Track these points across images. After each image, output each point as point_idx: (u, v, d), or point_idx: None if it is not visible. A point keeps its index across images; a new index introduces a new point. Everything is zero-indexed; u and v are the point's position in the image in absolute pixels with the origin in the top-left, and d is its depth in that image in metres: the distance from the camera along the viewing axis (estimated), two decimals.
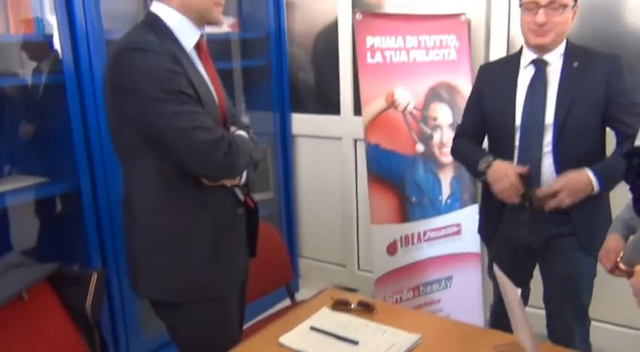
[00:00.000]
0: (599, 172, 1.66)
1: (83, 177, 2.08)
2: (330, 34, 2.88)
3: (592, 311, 1.86)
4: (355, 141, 2.90)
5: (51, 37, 2.01)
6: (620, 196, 1.54)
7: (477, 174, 1.88)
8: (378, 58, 2.34)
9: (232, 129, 1.55)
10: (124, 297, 2.25)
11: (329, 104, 2.96)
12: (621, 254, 1.33)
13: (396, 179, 2.40)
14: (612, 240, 1.43)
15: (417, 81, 2.40)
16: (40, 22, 2.02)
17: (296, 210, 3.22)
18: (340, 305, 1.60)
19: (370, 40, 2.32)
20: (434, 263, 2.50)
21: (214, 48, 2.74)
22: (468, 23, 2.48)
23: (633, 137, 1.20)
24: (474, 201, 2.53)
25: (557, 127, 1.73)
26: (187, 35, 1.44)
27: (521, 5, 1.76)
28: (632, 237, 1.36)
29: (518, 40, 2.33)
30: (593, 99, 1.71)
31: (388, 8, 2.71)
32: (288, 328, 1.50)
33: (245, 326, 1.78)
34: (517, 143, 1.80)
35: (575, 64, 1.74)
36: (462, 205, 2.53)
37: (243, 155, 1.43)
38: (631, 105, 1.70)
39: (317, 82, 3.08)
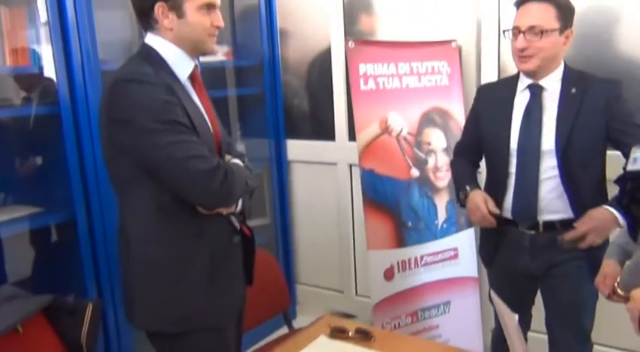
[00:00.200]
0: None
1: (79, 206, 2.08)
2: (323, 61, 2.92)
3: (594, 335, 1.85)
4: (350, 166, 2.91)
5: (46, 68, 2.03)
6: None
7: (460, 203, 1.96)
8: (371, 84, 2.37)
9: (227, 157, 1.56)
10: (119, 328, 2.23)
11: (324, 130, 2.99)
12: (618, 279, 1.33)
13: (392, 204, 2.41)
14: (608, 265, 1.43)
15: (410, 106, 2.43)
16: (35, 53, 2.04)
17: (292, 236, 3.22)
18: (338, 333, 1.59)
19: (363, 67, 2.35)
20: (431, 288, 2.49)
21: (209, 76, 2.78)
22: (459, 49, 2.52)
23: None
24: (470, 225, 2.54)
25: (559, 154, 1.72)
26: (182, 66, 1.46)
27: (504, 32, 1.79)
28: (628, 263, 1.37)
29: (509, 65, 2.37)
30: (593, 125, 1.70)
31: (380, 35, 2.76)
32: None
33: None
34: (513, 169, 1.80)
35: (573, 90, 1.73)
36: (458, 229, 2.53)
37: (239, 183, 1.44)
38: (632, 126, 1.68)
39: (311, 108, 3.11)
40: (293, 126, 3.11)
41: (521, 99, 1.81)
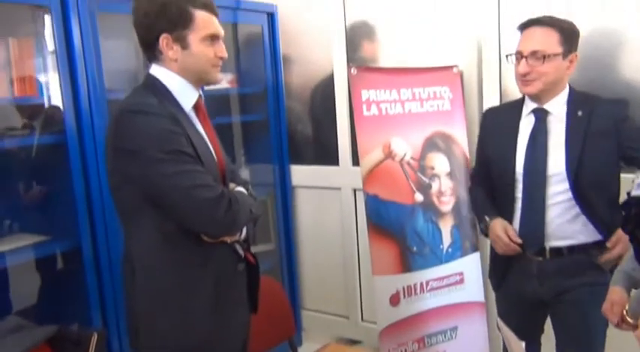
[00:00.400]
0: None
1: (84, 234, 2.08)
2: (326, 86, 2.95)
3: None
4: (354, 191, 2.91)
5: (53, 96, 2.06)
6: None
7: (483, 234, 1.96)
8: (374, 110, 2.39)
9: (231, 185, 1.57)
10: None
11: (327, 155, 3.00)
12: (627, 307, 1.32)
13: (396, 229, 2.40)
14: (615, 293, 1.41)
15: (413, 131, 2.44)
16: (42, 83, 2.07)
17: (297, 261, 3.21)
18: None
19: (365, 94, 2.38)
20: (438, 313, 2.47)
21: (214, 103, 2.81)
22: (461, 75, 2.54)
23: None
24: (475, 249, 2.53)
25: (571, 177, 1.71)
26: (186, 96, 1.48)
27: (507, 56, 1.80)
28: (635, 291, 1.35)
29: (511, 89, 2.39)
30: (603, 146, 1.70)
31: (382, 61, 2.79)
32: None
33: None
34: (520, 193, 1.80)
35: (580, 113, 1.73)
36: (464, 254, 2.52)
37: (243, 211, 1.45)
38: None
39: (315, 133, 3.13)
40: (297, 151, 3.13)
41: (527, 124, 1.81)
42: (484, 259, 2.52)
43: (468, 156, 2.50)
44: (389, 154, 2.39)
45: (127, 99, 1.46)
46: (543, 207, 1.76)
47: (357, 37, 2.84)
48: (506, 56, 1.81)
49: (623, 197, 1.68)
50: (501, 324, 1.35)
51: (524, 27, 1.76)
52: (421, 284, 2.44)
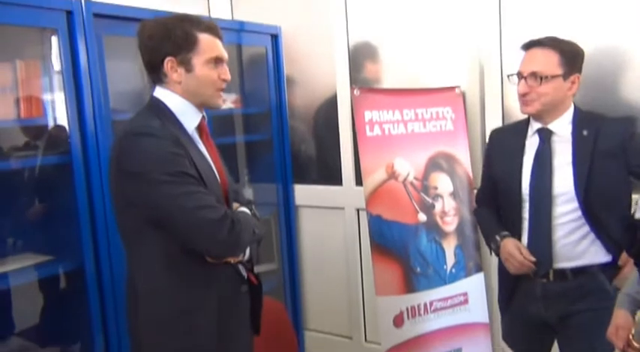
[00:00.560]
0: None
1: (87, 255, 2.08)
2: (329, 107, 2.96)
3: None
4: (358, 210, 2.91)
5: (58, 117, 2.08)
6: None
7: (494, 253, 1.92)
8: (377, 131, 2.40)
9: (235, 205, 1.57)
10: None
11: (331, 175, 3.00)
12: (633, 331, 1.30)
13: (400, 249, 2.40)
14: (620, 316, 1.40)
15: (416, 152, 2.45)
16: (48, 104, 2.09)
17: (300, 281, 3.19)
18: None
19: (368, 114, 2.39)
20: (442, 334, 2.45)
21: (218, 123, 2.83)
22: (463, 95, 2.55)
23: None
24: (480, 270, 2.52)
25: (580, 198, 1.70)
26: (189, 118, 1.49)
27: (508, 76, 1.82)
28: None
29: (513, 110, 2.40)
30: (611, 165, 1.69)
31: (385, 82, 2.80)
32: None
33: None
34: (526, 214, 1.80)
35: (585, 133, 1.73)
36: (468, 274, 2.50)
37: (247, 231, 1.45)
38: None
39: (318, 153, 3.14)
40: (300, 171, 3.14)
41: (532, 144, 1.82)
42: (488, 280, 2.51)
43: (471, 176, 2.50)
44: (392, 174, 2.40)
45: (131, 122, 1.47)
46: (549, 226, 1.75)
47: (360, 57, 2.86)
48: (508, 76, 1.83)
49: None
50: (506, 348, 1.34)
51: (526, 48, 1.78)
52: (425, 304, 2.43)
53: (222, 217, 1.38)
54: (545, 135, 1.78)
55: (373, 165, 2.38)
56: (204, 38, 1.47)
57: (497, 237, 1.86)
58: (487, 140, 2.09)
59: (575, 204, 1.71)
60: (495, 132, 2.02)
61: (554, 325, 1.81)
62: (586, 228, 1.72)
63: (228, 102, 2.84)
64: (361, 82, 2.81)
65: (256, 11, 3.07)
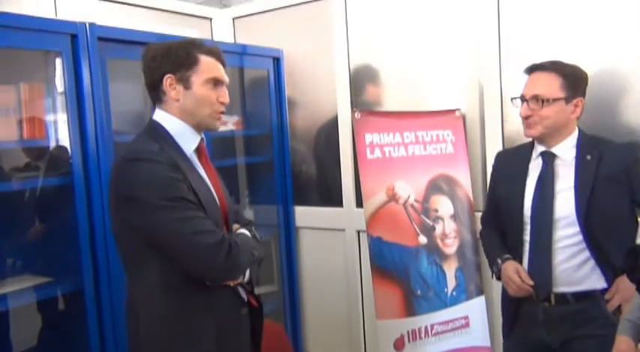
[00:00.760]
0: None
1: (87, 277, 2.07)
2: (330, 129, 2.98)
3: None
4: (358, 232, 2.90)
5: (61, 138, 2.09)
6: None
7: (495, 277, 1.93)
8: (378, 153, 2.41)
9: (235, 226, 1.58)
10: None
11: (331, 197, 3.01)
12: None
13: (400, 271, 2.39)
14: (623, 342, 1.39)
15: (416, 174, 2.45)
16: (51, 126, 2.11)
17: (300, 303, 3.17)
18: None
19: (369, 137, 2.40)
20: None
21: (220, 145, 2.85)
22: (463, 118, 2.57)
23: None
24: (481, 293, 2.50)
25: (581, 222, 1.70)
26: (188, 140, 1.50)
27: (512, 99, 1.83)
28: None
29: (513, 132, 2.41)
30: (613, 190, 1.69)
31: (386, 105, 2.82)
32: None
33: None
34: (528, 236, 1.80)
35: (588, 157, 1.73)
36: (469, 297, 2.49)
37: (245, 254, 1.45)
38: None
39: (319, 175, 3.15)
40: (301, 192, 3.14)
41: (535, 167, 1.83)
42: (489, 303, 2.49)
43: (472, 199, 2.50)
44: (393, 197, 2.40)
45: (129, 147, 1.48)
46: (550, 250, 1.75)
47: (360, 80, 2.88)
48: (512, 99, 1.85)
49: None
50: None
51: (529, 71, 1.81)
52: (426, 328, 2.41)
53: (219, 242, 1.38)
54: (549, 159, 1.79)
55: (374, 187, 2.39)
56: (205, 59, 1.50)
57: (499, 261, 1.87)
58: (492, 162, 2.10)
59: (577, 229, 1.71)
60: (501, 154, 2.05)
61: (556, 350, 1.79)
62: (587, 253, 1.72)
63: (229, 124, 2.86)
64: (362, 105, 2.83)
65: (258, 34, 3.11)
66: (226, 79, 1.55)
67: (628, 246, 1.61)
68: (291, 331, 3.07)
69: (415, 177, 2.45)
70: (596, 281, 1.73)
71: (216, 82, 1.51)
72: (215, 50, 1.53)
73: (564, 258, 1.74)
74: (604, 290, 1.72)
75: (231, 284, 1.50)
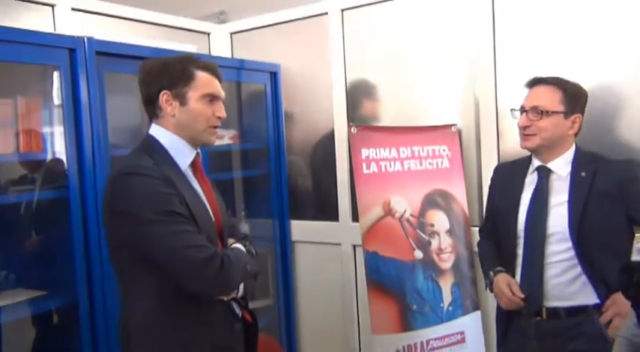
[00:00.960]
0: None
1: (81, 291, 2.06)
2: (327, 143, 2.99)
3: None
4: (354, 246, 2.90)
5: (57, 152, 2.09)
6: None
7: (489, 289, 1.95)
8: (374, 168, 2.42)
9: (230, 241, 1.57)
10: None
11: (328, 211, 3.00)
12: None
13: (396, 286, 2.38)
14: None
15: (412, 189, 2.46)
16: (48, 139, 2.11)
17: (296, 318, 3.16)
18: None
19: (365, 152, 2.41)
20: None
21: (217, 159, 2.85)
22: (459, 133, 2.58)
23: None
24: (477, 308, 2.49)
25: (574, 237, 1.71)
26: (183, 155, 1.51)
27: (512, 110, 1.85)
28: None
29: (509, 147, 2.43)
30: (606, 207, 1.70)
31: (382, 119, 2.83)
32: None
33: None
34: (521, 251, 1.81)
35: (583, 174, 1.74)
36: (465, 312, 2.48)
37: (237, 270, 1.44)
38: None
39: (315, 189, 3.15)
40: (297, 206, 3.14)
41: (531, 181, 1.84)
42: (485, 318, 2.49)
43: (468, 214, 2.51)
44: (389, 211, 2.40)
45: (123, 161, 1.49)
46: (542, 265, 1.76)
47: (357, 95, 2.90)
48: (511, 110, 1.86)
49: None
50: None
51: (531, 85, 1.83)
52: (422, 343, 2.40)
53: (210, 257, 1.38)
54: (544, 173, 1.81)
55: (370, 201, 2.39)
56: (201, 75, 1.51)
57: (491, 273, 1.88)
58: (488, 177, 2.12)
59: (569, 244, 1.72)
60: (499, 167, 2.07)
61: None
62: (579, 269, 1.72)
63: (226, 137, 2.87)
64: (358, 119, 2.85)
65: (256, 49, 3.13)
66: (222, 93, 1.56)
67: (621, 262, 1.62)
68: (286, 345, 3.05)
69: (411, 192, 2.45)
70: (588, 297, 1.73)
71: (212, 98, 1.52)
72: (211, 65, 1.54)
73: (556, 272, 1.74)
74: (596, 306, 1.72)
75: (225, 299, 1.50)
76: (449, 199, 2.51)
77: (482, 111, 2.53)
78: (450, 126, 2.57)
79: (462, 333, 2.47)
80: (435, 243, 2.46)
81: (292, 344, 3.12)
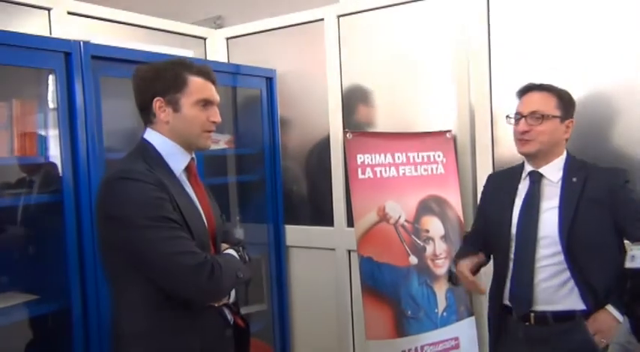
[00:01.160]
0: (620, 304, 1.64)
1: (75, 295, 2.06)
2: (322, 148, 2.99)
3: None
4: (349, 252, 2.90)
5: (52, 156, 2.08)
6: None
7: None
8: (369, 173, 2.42)
9: (223, 246, 1.57)
10: None
11: (322, 216, 3.00)
12: None
13: (391, 291, 2.38)
14: None
15: (407, 195, 2.46)
16: (42, 143, 2.10)
17: (290, 323, 3.15)
18: None
19: (360, 157, 2.42)
20: None
21: (212, 164, 2.85)
22: (454, 139, 2.59)
23: None
24: (471, 314, 2.50)
25: (563, 242, 1.72)
26: (177, 160, 1.51)
27: (507, 117, 1.86)
28: None
29: (503, 153, 2.44)
30: (596, 213, 1.71)
31: (378, 125, 2.84)
32: None
33: None
34: (512, 255, 1.83)
35: (574, 180, 1.76)
36: (459, 318, 2.48)
37: (228, 276, 1.43)
38: (637, 216, 1.69)
39: (310, 194, 3.15)
40: (292, 211, 3.14)
41: (523, 187, 1.86)
42: (479, 324, 2.49)
43: (462, 220, 2.51)
44: (383, 217, 2.40)
45: (117, 166, 1.49)
46: (531, 268, 1.77)
47: (353, 100, 2.90)
48: (507, 117, 1.88)
49: None
50: None
51: (524, 92, 1.85)
52: (416, 349, 2.39)
53: (200, 263, 1.37)
54: (536, 178, 1.83)
55: (365, 207, 2.39)
56: (194, 80, 1.50)
57: (454, 263, 1.99)
58: (482, 183, 2.13)
59: (558, 248, 1.74)
60: (492, 176, 2.10)
61: None
62: (568, 273, 1.73)
63: (221, 142, 2.87)
64: (354, 125, 2.85)
65: (252, 55, 3.14)
66: (217, 98, 1.55)
67: (610, 268, 1.63)
68: (280, 351, 3.04)
69: (406, 198, 2.46)
70: (575, 302, 1.74)
71: (206, 103, 1.52)
72: (204, 69, 1.54)
73: (545, 276, 1.76)
74: (583, 312, 1.73)
75: (216, 305, 1.49)
76: (444, 205, 2.52)
77: (477, 117, 2.54)
78: (445, 132, 2.58)
79: (456, 339, 2.47)
80: (429, 249, 2.46)
81: (286, 350, 3.11)
